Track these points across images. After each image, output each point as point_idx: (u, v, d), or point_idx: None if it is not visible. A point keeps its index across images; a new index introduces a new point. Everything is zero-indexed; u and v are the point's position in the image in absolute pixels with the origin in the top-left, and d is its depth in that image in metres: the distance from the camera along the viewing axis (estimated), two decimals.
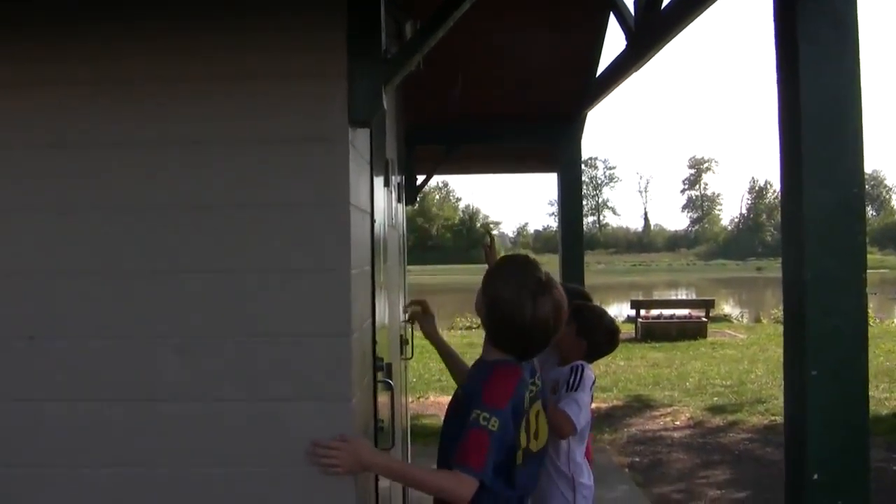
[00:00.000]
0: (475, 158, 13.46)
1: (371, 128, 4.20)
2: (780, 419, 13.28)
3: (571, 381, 5.43)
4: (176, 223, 3.68)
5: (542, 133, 10.97)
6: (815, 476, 4.01)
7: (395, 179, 6.98)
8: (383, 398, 4.94)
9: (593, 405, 5.78)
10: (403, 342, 8.20)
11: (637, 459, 12.06)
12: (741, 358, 20.88)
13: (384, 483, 4.90)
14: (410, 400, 12.61)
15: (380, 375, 4.77)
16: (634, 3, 7.11)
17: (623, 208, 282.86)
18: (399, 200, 8.11)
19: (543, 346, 3.92)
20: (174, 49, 3.70)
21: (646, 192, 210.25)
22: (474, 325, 34.93)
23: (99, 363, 3.69)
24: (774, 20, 4.19)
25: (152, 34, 3.71)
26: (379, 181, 5.00)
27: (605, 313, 5.89)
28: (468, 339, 27.57)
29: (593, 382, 5.52)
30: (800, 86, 4.00)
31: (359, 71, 3.65)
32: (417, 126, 10.60)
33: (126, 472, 3.71)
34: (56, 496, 3.73)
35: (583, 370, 5.47)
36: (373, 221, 4.53)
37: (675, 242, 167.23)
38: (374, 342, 4.55)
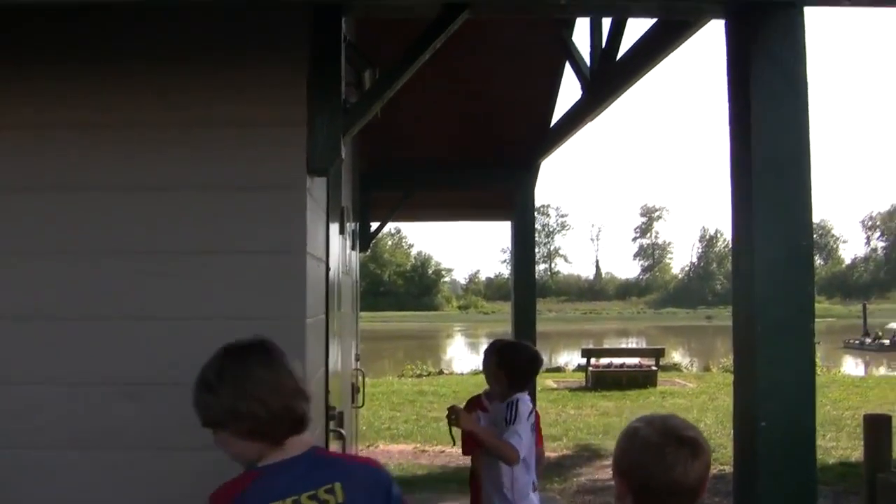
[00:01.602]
0: (429, 205, 13.52)
1: (328, 176, 4.22)
2: (728, 469, 13.33)
3: (508, 415, 5.76)
4: (130, 269, 3.68)
5: (498, 180, 11.05)
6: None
7: (349, 227, 7.01)
8: (335, 447, 4.93)
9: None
10: (355, 390, 8.20)
11: None
12: (690, 407, 20.90)
13: None
14: (360, 448, 12.56)
15: (332, 425, 4.77)
16: (591, 53, 7.21)
17: (575, 256, 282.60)
18: (353, 247, 8.13)
19: None
20: (140, 93, 3.72)
21: (597, 239, 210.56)
22: (424, 373, 34.84)
23: (50, 408, 3.67)
24: (728, 74, 4.27)
25: (118, 77, 3.73)
26: (334, 228, 5.03)
27: (522, 344, 6.30)
28: (418, 387, 27.50)
29: (531, 411, 5.87)
30: (751, 140, 4.07)
31: (319, 120, 3.68)
32: (373, 172, 10.65)
33: (65, 455, 3.71)
34: None
35: (517, 403, 5.79)
36: (328, 269, 4.55)
37: (626, 290, 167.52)
38: (327, 391, 4.56)
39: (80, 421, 3.66)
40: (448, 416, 5.85)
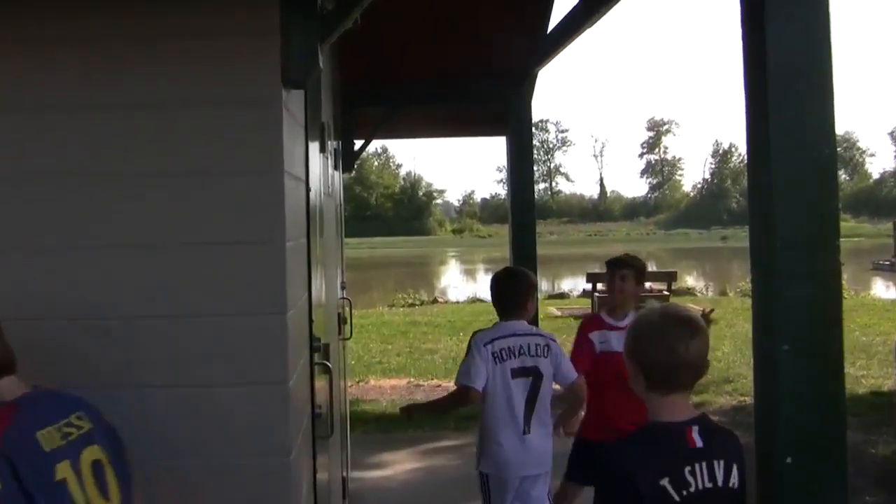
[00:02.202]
0: (418, 122, 13.47)
1: (306, 89, 4.19)
2: (749, 399, 13.38)
3: None
4: (95, 193, 3.66)
5: (491, 93, 10.99)
6: (789, 460, 4.02)
7: (331, 145, 6.97)
8: (321, 382, 4.95)
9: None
10: (341, 321, 8.22)
11: None
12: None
13: (322, 475, 4.91)
14: (349, 384, 12.63)
15: (317, 357, 4.78)
16: None
17: (577, 174, 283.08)
18: (335, 168, 8.09)
19: None
20: (97, 7, 3.67)
21: (601, 156, 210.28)
22: (417, 302, 34.92)
23: (23, 345, 3.67)
24: None
25: None
26: (314, 147, 5.00)
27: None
28: (411, 318, 27.59)
29: (489, 342, 6.41)
30: (766, 38, 4.02)
31: (293, 27, 3.63)
32: (356, 87, 10.57)
33: None
34: None
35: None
36: (308, 190, 4.53)
37: (633, 210, 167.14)
38: (311, 321, 4.56)
39: (43, 357, 3.65)
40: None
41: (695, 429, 3.43)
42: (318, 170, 5.39)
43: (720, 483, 3.39)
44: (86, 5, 3.67)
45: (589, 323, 7.27)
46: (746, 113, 4.22)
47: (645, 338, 3.49)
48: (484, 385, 6.25)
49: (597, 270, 29.39)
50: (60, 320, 3.69)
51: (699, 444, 3.41)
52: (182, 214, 3.66)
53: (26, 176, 3.68)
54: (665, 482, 3.29)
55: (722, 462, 3.42)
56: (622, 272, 7.16)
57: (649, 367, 3.45)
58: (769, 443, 4.13)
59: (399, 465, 11.16)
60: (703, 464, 3.38)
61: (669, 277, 30.93)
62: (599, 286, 29.24)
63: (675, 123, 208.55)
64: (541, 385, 6.30)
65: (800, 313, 4.02)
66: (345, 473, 8.60)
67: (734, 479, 3.44)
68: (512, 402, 6.26)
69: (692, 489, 3.32)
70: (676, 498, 3.29)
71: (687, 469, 3.34)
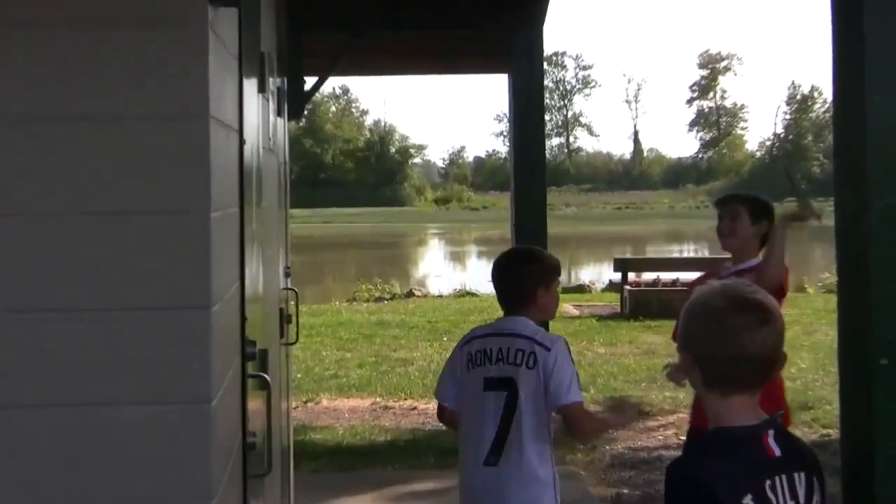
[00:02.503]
0: (390, 53, 13.46)
1: (240, 7, 4.17)
2: (835, 433, 13.44)
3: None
4: None
5: (488, 16, 10.98)
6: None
7: (273, 83, 6.96)
8: (256, 401, 4.95)
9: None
10: (285, 320, 8.22)
11: (626, 491, 12.14)
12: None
13: None
14: (294, 405, 12.64)
15: (251, 367, 4.77)
16: None
17: (603, 126, 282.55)
18: (279, 114, 8.08)
19: None
20: None
21: (636, 102, 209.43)
22: (386, 296, 34.98)
23: None
24: None
25: None
26: (250, 85, 4.99)
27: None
28: (378, 317, 27.65)
29: (464, 342, 6.59)
30: None
31: None
32: (306, 6, 10.54)
33: None
34: None
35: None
36: (242, 143, 4.52)
37: (678, 175, 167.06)
38: (244, 319, 4.55)
39: None
40: None
41: (770, 434, 3.56)
42: (256, 116, 5.38)
43: (802, 500, 3.53)
44: None
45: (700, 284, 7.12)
46: (833, 49, 4.22)
47: (701, 324, 3.62)
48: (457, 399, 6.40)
49: (628, 256, 29.35)
50: None
51: (777, 453, 3.54)
52: (66, 174, 3.62)
53: None
54: (748, 500, 3.42)
55: (803, 475, 3.56)
56: (734, 209, 7.51)
57: (707, 361, 3.57)
58: (861, 486, 4.14)
59: None
60: (784, 477, 3.51)
61: (726, 264, 31.02)
62: (632, 276, 29.39)
63: (738, 59, 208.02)
64: (517, 404, 6.16)
65: None
66: None
67: (817, 496, 3.58)
68: (481, 421, 6.23)
69: None
70: None
71: (767, 483, 3.47)
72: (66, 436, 3.65)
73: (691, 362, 3.63)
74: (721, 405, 3.59)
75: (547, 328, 6.83)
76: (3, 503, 3.57)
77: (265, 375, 5.12)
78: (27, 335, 3.63)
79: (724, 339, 3.52)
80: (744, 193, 7.85)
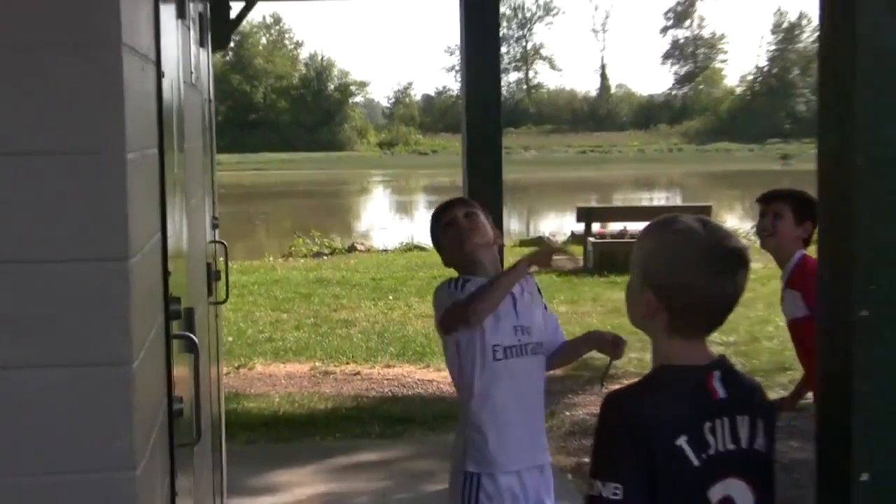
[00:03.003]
0: None
1: None
2: (810, 395, 13.53)
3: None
4: None
5: None
6: (864, 477, 4.08)
7: (194, 8, 6.93)
8: (182, 366, 4.96)
9: None
10: (213, 276, 8.21)
11: (586, 460, 12.24)
12: (754, 300, 20.85)
13: (184, 501, 4.93)
14: (226, 370, 12.64)
15: (176, 327, 4.77)
16: None
17: (567, 59, 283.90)
18: (201, 44, 8.05)
19: None
20: None
21: (604, 32, 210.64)
22: (326, 251, 34.99)
23: None
24: None
25: None
26: (168, 9, 4.97)
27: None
28: (317, 273, 27.66)
29: None
30: None
31: None
32: None
33: None
34: None
35: None
36: (160, 76, 4.51)
37: (650, 115, 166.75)
38: (167, 273, 4.55)
39: None
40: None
41: (716, 375, 3.72)
42: (176, 46, 5.36)
43: (744, 443, 3.70)
44: None
45: None
46: None
47: (683, 262, 3.71)
48: None
49: (592, 204, 29.35)
50: None
51: (721, 394, 3.71)
52: None
53: None
54: (682, 442, 3.58)
55: (746, 418, 3.73)
56: (777, 207, 7.55)
57: (681, 302, 3.69)
58: (838, 455, 4.17)
59: (296, 488, 11.19)
60: (726, 419, 3.69)
61: (703, 214, 31.16)
62: (596, 227, 29.47)
63: None
64: None
65: (888, 265, 4.05)
66: (218, 501, 8.63)
67: (761, 440, 3.76)
68: None
69: (712, 451, 3.62)
70: (695, 463, 3.58)
71: (707, 425, 3.63)
72: None
73: (655, 303, 3.72)
74: (677, 346, 3.73)
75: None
76: None
77: (192, 336, 5.12)
78: None
79: (711, 279, 3.66)
80: (790, 190, 7.84)
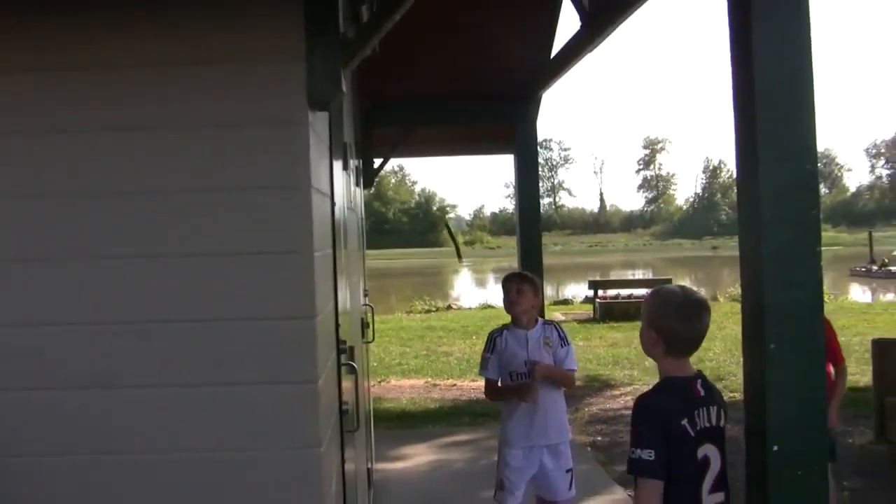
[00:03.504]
0: (431, 141, 13.46)
1: (330, 111, 4.19)
2: (739, 395, 13.36)
3: (564, 335, 6.82)
4: (136, 208, 3.66)
5: (499, 114, 10.99)
6: (775, 448, 4.08)
7: (353, 163, 6.98)
8: (347, 381, 4.95)
9: None
10: (364, 326, 8.21)
11: (599, 438, 12.11)
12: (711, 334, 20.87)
13: (349, 465, 4.92)
14: (372, 383, 12.64)
15: (343, 358, 4.78)
16: None
17: (579, 189, 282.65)
18: (357, 184, 8.10)
19: None
20: (131, 33, 3.67)
21: (601, 172, 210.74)
22: (432, 308, 34.91)
23: (57, 351, 3.68)
24: None
25: (104, 17, 3.68)
26: (338, 164, 5.00)
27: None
28: (427, 323, 27.59)
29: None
30: (753, 63, 4.05)
31: (317, 52, 3.64)
32: (374, 108, 10.59)
33: (87, 459, 3.71)
34: (12, 486, 3.72)
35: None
36: (333, 204, 4.53)
37: (631, 222, 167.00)
38: (338, 325, 4.56)
39: (87, 362, 3.66)
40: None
41: (698, 382, 4.03)
42: (342, 186, 5.39)
43: (714, 423, 3.99)
44: (128, 31, 3.67)
45: None
46: (736, 130, 4.23)
47: (673, 316, 3.98)
48: None
49: (598, 277, 29.31)
50: (108, 324, 3.69)
51: (702, 393, 4.01)
52: (221, 227, 3.66)
53: (80, 194, 3.69)
54: (684, 422, 3.87)
55: (715, 408, 4.01)
56: None
57: (671, 337, 3.96)
58: (758, 433, 4.16)
59: (419, 457, 11.16)
60: (705, 408, 3.97)
61: (668, 284, 30.95)
62: (601, 292, 29.33)
63: (669, 141, 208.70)
64: None
65: (786, 314, 4.07)
66: (370, 465, 8.60)
67: (722, 421, 4.03)
68: None
69: (698, 427, 3.90)
70: (692, 433, 3.87)
71: (696, 412, 3.93)
72: (224, 405, 3.69)
73: (657, 338, 3.98)
74: (672, 364, 4.01)
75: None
76: (182, 446, 3.62)
77: (353, 363, 5.12)
78: (197, 335, 3.67)
79: (690, 326, 3.96)
80: None
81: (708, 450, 3.99)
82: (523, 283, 6.73)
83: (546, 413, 6.62)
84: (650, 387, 4.14)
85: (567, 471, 6.70)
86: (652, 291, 4.29)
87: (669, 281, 31.57)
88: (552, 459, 6.65)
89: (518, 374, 6.60)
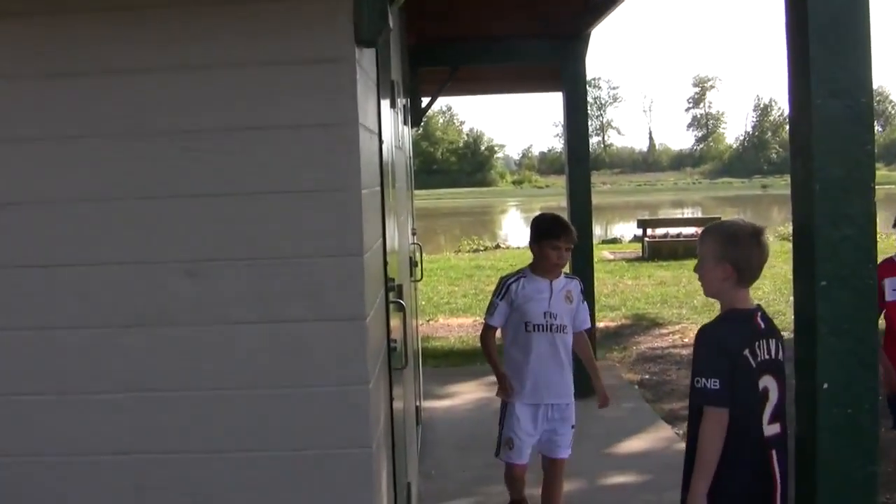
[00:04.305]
0: (479, 79, 13.42)
1: (377, 48, 4.17)
2: (789, 333, 13.33)
3: (583, 290, 6.84)
4: (183, 147, 3.66)
5: (548, 52, 10.93)
6: (826, 385, 4.05)
7: (400, 101, 6.95)
8: (395, 319, 4.96)
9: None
10: (413, 264, 8.24)
11: (646, 377, 12.12)
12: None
13: (398, 403, 4.95)
14: (420, 322, 12.69)
15: (392, 296, 4.79)
16: None
17: (627, 128, 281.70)
18: (405, 123, 8.09)
19: None
20: None
21: (650, 111, 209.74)
22: (481, 248, 34.94)
23: (110, 289, 3.71)
24: None
25: None
26: (386, 102, 4.98)
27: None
28: (475, 262, 27.63)
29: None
30: None
31: None
32: (421, 47, 10.54)
33: (140, 396, 3.74)
34: (69, 420, 3.76)
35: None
36: (381, 142, 4.52)
37: (680, 161, 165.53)
38: (386, 263, 4.56)
39: (136, 300, 3.69)
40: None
41: (759, 314, 4.28)
42: (390, 124, 5.38)
43: (773, 355, 4.22)
44: None
45: (883, 268, 6.08)
46: (789, 64, 4.17)
47: (745, 244, 4.23)
48: None
49: (646, 216, 29.20)
50: (157, 263, 3.71)
51: (762, 326, 4.26)
52: (268, 166, 3.65)
53: (134, 134, 3.70)
54: (747, 353, 4.10)
55: (774, 340, 4.26)
56: None
57: (745, 268, 4.22)
58: (808, 370, 4.15)
59: (467, 395, 11.23)
60: (765, 340, 4.20)
61: (714, 222, 30.78)
62: (650, 231, 29.23)
63: (719, 80, 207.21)
64: None
65: (837, 251, 4.03)
66: (418, 402, 8.68)
67: (780, 354, 4.27)
68: None
69: (759, 359, 4.13)
70: (753, 365, 4.10)
71: (757, 344, 4.15)
72: (272, 342, 3.70)
73: (730, 271, 4.20)
74: (739, 295, 4.27)
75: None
76: (231, 383, 3.67)
77: (401, 301, 5.14)
78: (245, 273, 3.68)
79: (759, 251, 4.24)
80: None
81: (767, 381, 4.18)
82: (570, 244, 6.58)
83: (555, 372, 6.54)
84: (699, 324, 4.29)
85: (572, 427, 6.66)
86: (711, 228, 4.45)
87: (718, 219, 31.42)
88: (559, 418, 6.59)
89: (536, 326, 6.48)
